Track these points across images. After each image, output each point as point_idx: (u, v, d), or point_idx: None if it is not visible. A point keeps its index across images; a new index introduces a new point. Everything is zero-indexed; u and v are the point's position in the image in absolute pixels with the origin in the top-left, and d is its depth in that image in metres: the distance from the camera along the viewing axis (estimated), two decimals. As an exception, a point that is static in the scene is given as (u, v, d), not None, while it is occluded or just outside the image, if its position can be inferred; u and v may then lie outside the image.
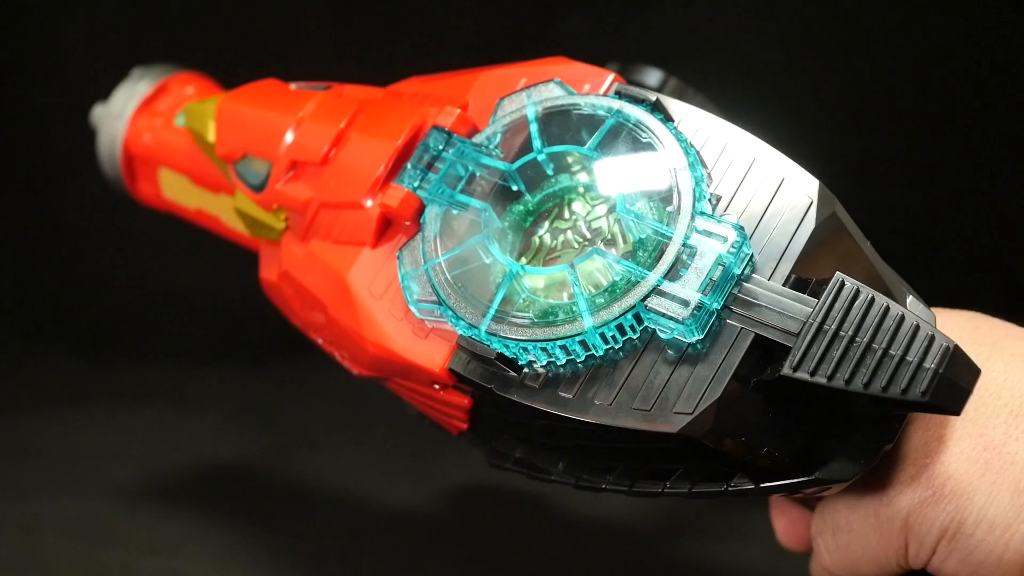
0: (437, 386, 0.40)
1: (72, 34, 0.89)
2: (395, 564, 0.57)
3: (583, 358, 0.36)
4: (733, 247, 0.35)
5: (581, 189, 0.40)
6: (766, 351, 0.35)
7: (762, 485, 0.36)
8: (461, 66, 0.47)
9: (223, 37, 0.88)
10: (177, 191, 0.55)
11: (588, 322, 0.36)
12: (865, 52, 0.83)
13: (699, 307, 0.35)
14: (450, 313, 0.38)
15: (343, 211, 0.42)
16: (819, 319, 0.34)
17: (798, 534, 0.45)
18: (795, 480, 0.36)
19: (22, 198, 0.92)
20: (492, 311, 0.37)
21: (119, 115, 0.54)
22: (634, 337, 0.36)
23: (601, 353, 0.36)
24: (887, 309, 0.34)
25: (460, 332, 0.38)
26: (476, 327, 0.37)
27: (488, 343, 0.37)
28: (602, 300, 0.36)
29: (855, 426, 0.36)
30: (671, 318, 0.35)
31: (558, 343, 0.36)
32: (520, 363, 0.37)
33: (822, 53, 0.81)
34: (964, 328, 0.36)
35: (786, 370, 0.34)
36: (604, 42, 0.79)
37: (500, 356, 0.37)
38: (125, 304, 0.88)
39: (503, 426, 0.40)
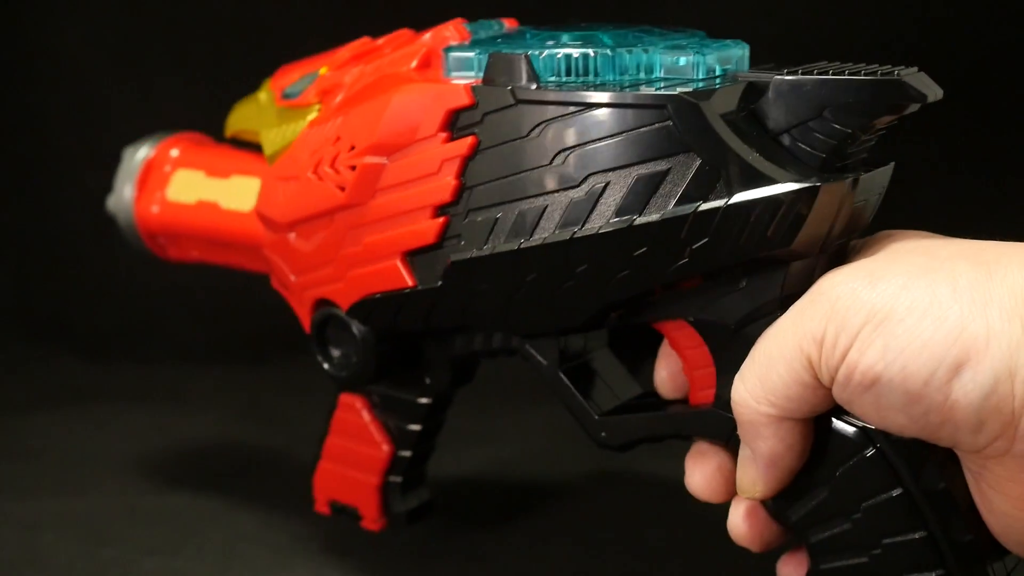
0: (443, 135, 0.43)
1: (72, 34, 0.89)
2: (396, 564, 0.57)
3: (598, 80, 0.42)
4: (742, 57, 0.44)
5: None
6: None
7: (733, 200, 0.38)
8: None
9: (222, 37, 0.89)
10: (182, 189, 0.57)
11: (610, 48, 0.42)
12: (861, 54, 0.83)
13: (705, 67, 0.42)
14: (492, 47, 0.43)
15: (388, 63, 0.48)
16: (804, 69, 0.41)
17: (715, 486, 0.43)
18: (769, 191, 0.38)
19: (22, 199, 0.92)
20: (529, 41, 0.43)
21: (126, 200, 0.59)
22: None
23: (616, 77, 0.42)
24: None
25: (501, 51, 0.42)
26: (515, 47, 0.43)
27: (522, 50, 0.42)
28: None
29: (836, 147, 0.41)
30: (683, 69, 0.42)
31: (579, 52, 0.42)
32: (541, 80, 0.42)
33: (817, 56, 0.81)
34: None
35: (776, 78, 0.40)
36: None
37: (527, 58, 0.42)
38: (125, 304, 0.88)
39: (490, 172, 0.43)
